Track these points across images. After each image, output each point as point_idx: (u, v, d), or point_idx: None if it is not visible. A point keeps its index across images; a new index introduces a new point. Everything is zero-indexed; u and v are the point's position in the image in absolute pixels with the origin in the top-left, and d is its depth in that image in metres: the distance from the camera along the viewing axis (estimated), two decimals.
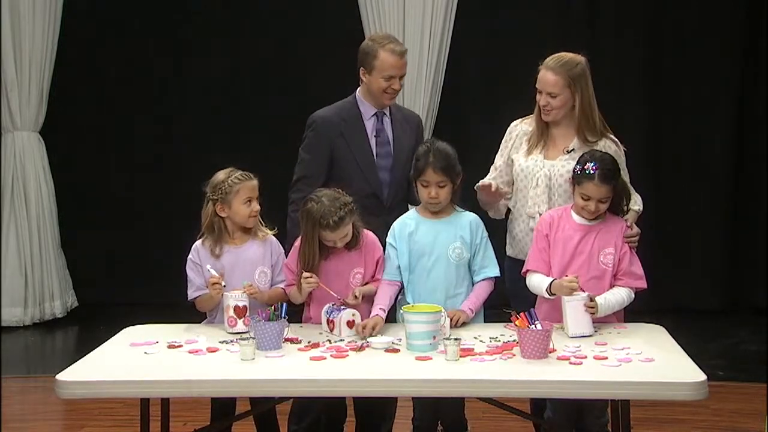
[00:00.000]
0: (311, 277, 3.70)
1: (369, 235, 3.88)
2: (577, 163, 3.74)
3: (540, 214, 3.88)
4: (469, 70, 7.23)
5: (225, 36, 7.38)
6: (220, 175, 3.87)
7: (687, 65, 7.16)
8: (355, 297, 3.69)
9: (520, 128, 4.07)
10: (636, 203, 3.91)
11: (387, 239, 3.90)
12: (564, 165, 3.88)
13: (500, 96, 6.91)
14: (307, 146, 4.29)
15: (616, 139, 3.98)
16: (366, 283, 3.83)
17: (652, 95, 7.20)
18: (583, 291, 3.60)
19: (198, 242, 3.88)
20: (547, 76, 3.88)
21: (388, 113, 4.33)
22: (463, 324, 3.71)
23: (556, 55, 3.93)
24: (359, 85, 4.32)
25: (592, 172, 3.65)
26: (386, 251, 3.88)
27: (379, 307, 3.73)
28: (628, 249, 3.73)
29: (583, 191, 3.69)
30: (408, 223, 3.89)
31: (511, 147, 4.06)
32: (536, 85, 3.93)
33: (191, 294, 3.83)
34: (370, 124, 4.30)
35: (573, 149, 3.91)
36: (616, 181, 3.70)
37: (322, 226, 3.69)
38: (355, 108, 4.31)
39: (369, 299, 3.80)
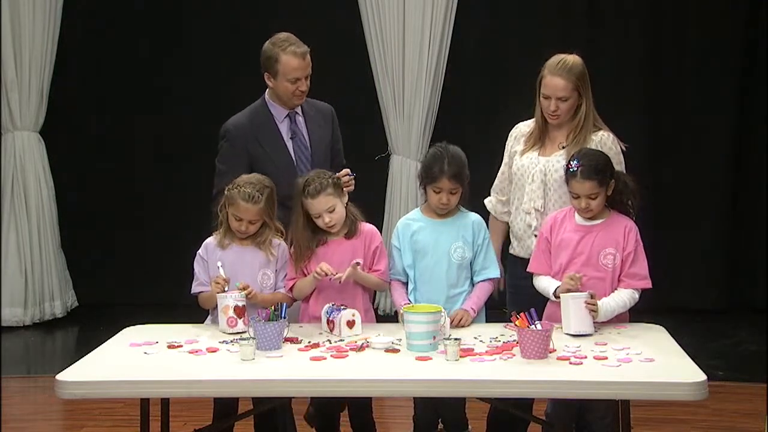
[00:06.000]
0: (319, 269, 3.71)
1: (367, 225, 3.91)
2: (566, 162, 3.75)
3: (535, 210, 3.90)
4: (469, 70, 7.22)
5: (225, 35, 7.36)
6: (242, 178, 3.85)
7: (687, 65, 7.15)
8: (357, 263, 3.72)
9: (519, 130, 4.09)
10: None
11: (391, 240, 3.93)
12: (559, 161, 3.89)
13: (500, 96, 6.91)
14: (223, 157, 4.23)
15: (611, 133, 3.95)
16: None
17: (652, 95, 7.18)
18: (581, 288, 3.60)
19: (209, 238, 3.88)
20: (556, 82, 3.85)
21: (300, 111, 4.31)
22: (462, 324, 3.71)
23: (558, 58, 3.90)
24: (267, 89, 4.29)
25: (574, 169, 3.66)
26: (391, 252, 3.90)
27: (403, 302, 3.78)
28: (632, 249, 3.70)
29: (570, 189, 3.71)
30: (411, 223, 3.91)
31: (510, 149, 4.09)
32: (543, 91, 3.88)
33: (194, 288, 3.86)
34: (284, 127, 4.27)
35: (565, 145, 3.91)
36: (603, 175, 3.67)
37: (305, 194, 3.75)
38: (267, 111, 4.27)
39: (365, 287, 3.86)
